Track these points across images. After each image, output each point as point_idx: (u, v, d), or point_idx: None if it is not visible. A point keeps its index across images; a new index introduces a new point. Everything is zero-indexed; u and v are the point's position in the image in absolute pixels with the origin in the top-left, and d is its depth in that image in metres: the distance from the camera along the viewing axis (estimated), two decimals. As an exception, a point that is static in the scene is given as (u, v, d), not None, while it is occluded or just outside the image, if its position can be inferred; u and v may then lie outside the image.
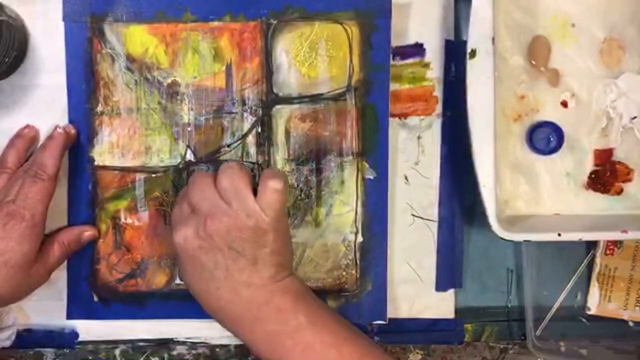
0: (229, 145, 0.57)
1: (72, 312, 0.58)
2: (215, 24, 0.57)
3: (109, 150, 0.57)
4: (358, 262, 0.58)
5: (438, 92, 0.59)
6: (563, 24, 0.58)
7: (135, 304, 0.58)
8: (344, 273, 0.58)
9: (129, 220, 0.57)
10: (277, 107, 0.57)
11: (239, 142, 0.57)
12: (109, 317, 0.58)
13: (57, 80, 0.57)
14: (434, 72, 0.59)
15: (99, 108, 0.57)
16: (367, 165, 0.57)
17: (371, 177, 0.57)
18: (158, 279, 0.58)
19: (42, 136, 0.57)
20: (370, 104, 0.57)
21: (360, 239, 0.58)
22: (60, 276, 0.57)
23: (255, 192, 0.49)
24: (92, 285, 0.57)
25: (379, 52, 0.57)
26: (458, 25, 0.59)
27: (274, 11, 0.56)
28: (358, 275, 0.58)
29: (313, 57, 0.57)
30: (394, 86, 0.58)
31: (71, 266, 0.57)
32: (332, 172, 0.57)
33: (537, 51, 0.58)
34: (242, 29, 0.57)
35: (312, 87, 0.57)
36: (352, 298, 0.58)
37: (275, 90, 0.57)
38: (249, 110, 0.57)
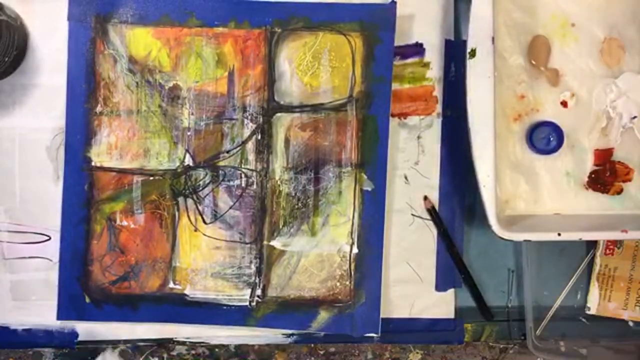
0: (228, 151, 0.57)
1: (63, 313, 0.57)
2: (220, 29, 0.57)
3: (107, 151, 0.57)
4: (352, 273, 0.58)
5: (438, 92, 0.59)
6: (563, 24, 0.58)
7: (127, 307, 0.57)
8: (338, 284, 0.58)
9: (125, 223, 0.57)
10: (278, 115, 0.57)
11: (238, 148, 0.57)
12: (101, 319, 0.58)
13: (56, 80, 0.57)
14: (434, 72, 0.59)
15: (98, 108, 0.57)
16: (365, 176, 0.57)
17: (369, 189, 0.57)
18: (152, 282, 0.58)
19: (43, 135, 0.58)
20: (371, 115, 0.57)
21: (355, 250, 0.58)
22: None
23: None
24: (84, 286, 0.57)
25: (382, 64, 0.57)
26: (458, 25, 0.59)
27: (278, 20, 0.57)
28: (352, 287, 0.58)
29: (316, 66, 0.57)
30: (394, 86, 0.58)
31: (63, 266, 0.57)
32: (330, 183, 0.57)
33: (537, 51, 0.58)
34: (246, 36, 0.57)
35: (314, 97, 0.57)
36: (345, 309, 0.58)
37: (276, 98, 0.57)
38: (249, 117, 0.57)
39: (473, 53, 0.53)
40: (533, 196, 0.58)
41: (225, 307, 0.58)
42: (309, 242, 0.58)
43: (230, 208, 0.57)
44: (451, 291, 0.60)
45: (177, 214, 0.57)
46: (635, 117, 0.58)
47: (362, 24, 0.56)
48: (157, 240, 0.57)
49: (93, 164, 0.57)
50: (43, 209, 0.58)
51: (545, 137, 0.58)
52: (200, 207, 0.57)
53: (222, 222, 0.58)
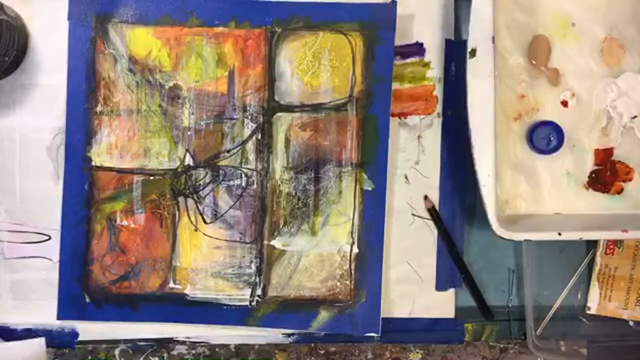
0: (228, 151, 0.57)
1: (63, 313, 0.57)
2: (220, 29, 0.57)
3: (107, 150, 0.57)
4: (353, 273, 0.58)
5: (438, 92, 0.59)
6: (563, 23, 0.58)
7: (128, 306, 0.57)
8: (339, 283, 0.58)
9: (125, 222, 0.57)
10: (278, 114, 0.57)
11: (238, 148, 0.57)
12: (101, 319, 0.58)
13: (56, 80, 0.57)
14: (434, 72, 0.59)
15: (99, 108, 0.57)
16: (365, 176, 0.57)
17: (369, 189, 0.57)
18: (152, 282, 0.58)
19: (43, 135, 0.58)
20: (371, 115, 0.57)
21: (356, 250, 0.58)
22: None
23: None
24: (85, 286, 0.57)
25: (382, 64, 0.57)
26: (458, 24, 0.59)
27: (279, 19, 0.57)
28: (352, 286, 0.58)
29: (316, 66, 0.57)
30: (394, 86, 0.58)
31: (63, 266, 0.57)
32: (331, 182, 0.57)
33: (537, 50, 0.58)
34: (246, 35, 0.57)
35: (314, 97, 0.57)
36: (346, 309, 0.58)
37: (277, 98, 0.57)
38: (249, 117, 0.57)
39: (473, 53, 0.53)
40: (533, 196, 0.59)
41: (225, 307, 0.58)
42: (309, 242, 0.58)
43: (231, 208, 0.57)
44: (451, 291, 0.60)
45: (177, 213, 0.57)
46: (635, 116, 0.58)
47: (362, 23, 0.56)
48: (157, 240, 0.57)
49: (93, 163, 0.57)
50: (43, 209, 0.58)
51: (545, 137, 0.58)
52: (200, 207, 0.57)
53: (222, 221, 0.58)
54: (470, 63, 0.53)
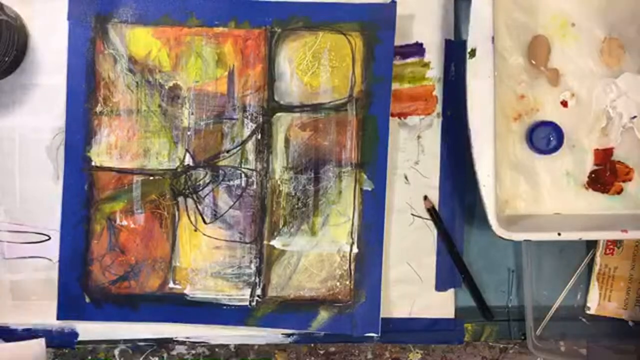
0: (228, 151, 0.57)
1: (63, 313, 0.57)
2: (220, 29, 0.57)
3: (107, 151, 0.57)
4: (352, 273, 0.58)
5: (438, 92, 0.59)
6: (563, 24, 0.58)
7: (127, 306, 0.58)
8: (338, 283, 0.58)
9: (125, 222, 0.57)
10: (278, 114, 0.57)
11: (238, 148, 0.57)
12: (101, 319, 0.58)
13: (56, 80, 0.57)
14: (434, 72, 0.59)
15: (98, 108, 0.57)
16: (365, 176, 0.57)
17: (369, 189, 0.57)
18: (152, 282, 0.58)
19: (43, 135, 0.58)
20: (371, 115, 0.57)
21: (355, 250, 0.58)
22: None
23: None
24: (85, 287, 0.57)
25: (382, 64, 0.57)
26: (458, 24, 0.59)
27: (278, 19, 0.57)
28: (352, 287, 0.58)
29: (316, 66, 0.57)
30: (394, 86, 0.58)
31: (63, 266, 0.57)
32: (330, 182, 0.57)
33: (537, 51, 0.58)
34: (246, 35, 0.57)
35: (314, 97, 0.57)
36: (345, 309, 0.58)
37: (276, 98, 0.57)
38: (249, 117, 0.57)
39: (473, 53, 0.53)
40: (533, 196, 0.59)
41: (225, 307, 0.58)
42: (309, 242, 0.58)
43: (230, 208, 0.57)
44: (451, 291, 0.60)
45: (177, 213, 0.57)
46: (635, 116, 0.58)
47: (362, 23, 0.57)
48: (157, 240, 0.57)
49: (93, 163, 0.57)
50: (43, 209, 0.58)
51: (545, 137, 0.58)
52: (200, 207, 0.57)
53: (222, 221, 0.58)
54: (470, 63, 0.53)
